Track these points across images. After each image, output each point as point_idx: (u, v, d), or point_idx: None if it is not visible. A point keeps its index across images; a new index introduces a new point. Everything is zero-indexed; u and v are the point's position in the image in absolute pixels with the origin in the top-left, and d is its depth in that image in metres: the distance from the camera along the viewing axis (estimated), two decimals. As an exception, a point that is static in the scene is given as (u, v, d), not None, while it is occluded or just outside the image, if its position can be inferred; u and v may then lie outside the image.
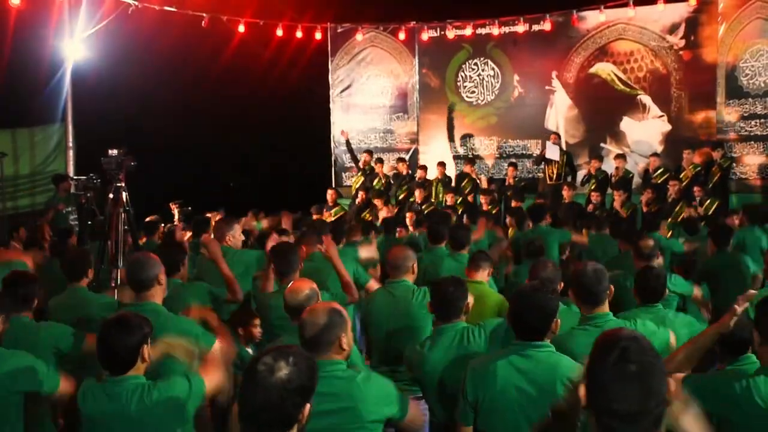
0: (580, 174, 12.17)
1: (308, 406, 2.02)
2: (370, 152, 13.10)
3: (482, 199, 10.80)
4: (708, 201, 9.91)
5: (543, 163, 12.13)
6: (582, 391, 1.82)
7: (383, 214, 10.14)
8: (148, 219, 8.27)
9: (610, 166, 11.74)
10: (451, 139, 13.84)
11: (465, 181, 12.21)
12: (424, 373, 3.41)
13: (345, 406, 2.65)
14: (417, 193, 11.56)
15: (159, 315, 3.48)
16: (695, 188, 10.17)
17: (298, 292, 3.43)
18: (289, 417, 1.97)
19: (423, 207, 11.00)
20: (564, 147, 12.39)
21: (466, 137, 13.77)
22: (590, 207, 10.29)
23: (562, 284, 4.15)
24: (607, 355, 1.77)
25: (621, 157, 11.68)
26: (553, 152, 11.82)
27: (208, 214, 10.09)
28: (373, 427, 2.72)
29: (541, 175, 12.44)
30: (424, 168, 12.41)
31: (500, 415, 2.82)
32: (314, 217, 9.78)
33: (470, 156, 13.32)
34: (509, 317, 3.01)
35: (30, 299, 3.80)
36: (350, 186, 12.53)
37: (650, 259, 4.77)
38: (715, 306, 5.34)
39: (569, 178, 11.78)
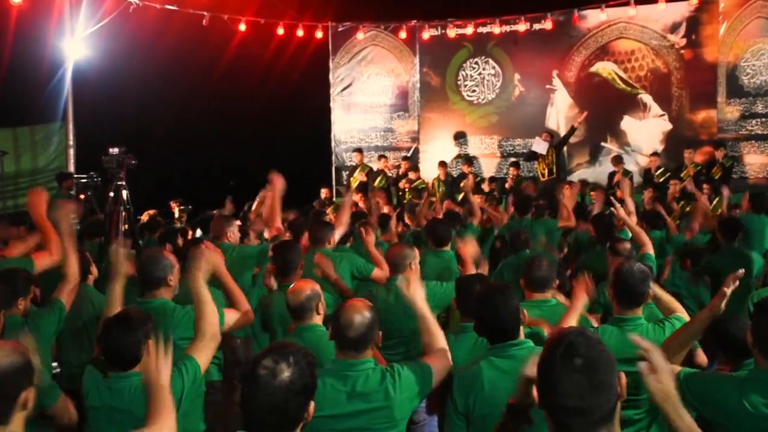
0: (578, 176, 12.13)
1: (312, 404, 2.03)
2: (360, 150, 13.10)
3: (477, 198, 10.77)
4: (717, 199, 9.87)
5: (533, 159, 12.11)
6: (534, 390, 1.81)
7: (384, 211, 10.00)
8: (147, 214, 8.23)
9: (609, 166, 11.73)
10: (454, 137, 13.81)
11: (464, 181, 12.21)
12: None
13: (379, 407, 2.66)
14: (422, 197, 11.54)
15: (166, 311, 3.53)
16: (704, 186, 10.12)
17: (300, 292, 3.40)
18: (295, 417, 1.98)
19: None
20: (564, 145, 12.37)
21: (464, 136, 13.75)
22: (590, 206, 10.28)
23: (558, 281, 4.14)
24: (554, 350, 1.75)
25: (618, 160, 11.64)
26: (539, 146, 11.79)
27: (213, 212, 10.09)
28: (402, 425, 2.75)
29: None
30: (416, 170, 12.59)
31: (493, 419, 2.77)
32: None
33: (469, 156, 13.32)
34: (476, 326, 2.99)
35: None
36: (349, 184, 12.49)
37: (628, 259, 4.72)
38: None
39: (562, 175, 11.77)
